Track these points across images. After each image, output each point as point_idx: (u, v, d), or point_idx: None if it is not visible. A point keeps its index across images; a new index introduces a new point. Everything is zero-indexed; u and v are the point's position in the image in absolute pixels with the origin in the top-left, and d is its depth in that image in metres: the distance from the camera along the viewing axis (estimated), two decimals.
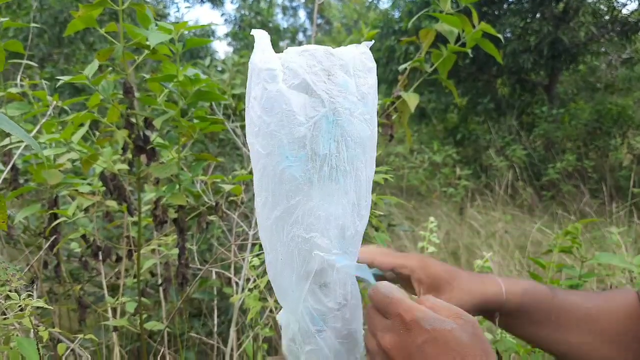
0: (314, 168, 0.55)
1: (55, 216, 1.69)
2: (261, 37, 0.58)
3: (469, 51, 1.57)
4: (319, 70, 0.55)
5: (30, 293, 0.97)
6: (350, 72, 0.57)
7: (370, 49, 0.61)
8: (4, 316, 0.98)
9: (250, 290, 1.72)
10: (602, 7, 8.29)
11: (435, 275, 0.68)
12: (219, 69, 4.21)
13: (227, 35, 14.16)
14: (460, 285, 0.70)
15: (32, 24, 1.67)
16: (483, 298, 0.72)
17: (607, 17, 8.28)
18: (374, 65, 0.60)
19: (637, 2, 8.20)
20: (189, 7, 18.85)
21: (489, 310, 0.74)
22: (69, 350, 1.28)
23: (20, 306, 0.98)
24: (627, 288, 0.83)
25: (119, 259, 1.94)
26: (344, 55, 0.57)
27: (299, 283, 0.58)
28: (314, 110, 0.54)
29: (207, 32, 8.23)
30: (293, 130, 0.54)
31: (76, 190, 1.62)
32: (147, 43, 1.25)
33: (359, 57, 0.58)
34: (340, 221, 0.57)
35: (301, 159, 0.54)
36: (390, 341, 0.53)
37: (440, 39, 1.62)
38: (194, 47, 1.43)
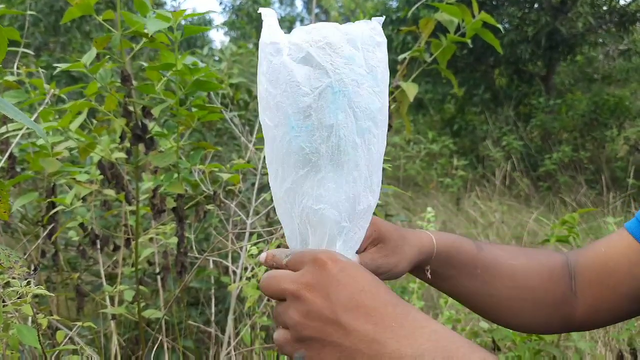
0: (321, 138, 0.55)
1: (53, 205, 1.69)
2: (268, 15, 0.59)
3: (469, 41, 1.57)
4: (324, 45, 0.55)
5: (30, 280, 0.98)
6: (358, 46, 0.57)
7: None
8: (4, 303, 0.98)
9: (247, 279, 1.72)
10: None
11: (380, 229, 0.68)
12: (216, 58, 4.20)
13: (224, 24, 14.10)
14: (404, 237, 0.71)
15: (28, 12, 1.66)
16: (421, 250, 0.73)
17: (605, 8, 8.28)
18: (384, 40, 0.60)
19: None
20: None
21: (423, 263, 0.74)
22: (67, 338, 1.29)
23: (18, 294, 0.98)
24: (553, 251, 0.84)
25: (116, 248, 1.94)
26: (351, 30, 0.58)
27: None
28: (318, 81, 0.55)
29: (204, 21, 8.19)
30: (298, 100, 0.55)
31: (74, 178, 1.62)
32: (145, 31, 1.24)
33: (367, 32, 0.59)
34: (352, 194, 0.57)
35: (307, 129, 0.55)
36: (305, 281, 0.53)
37: (440, 30, 1.62)
38: (191, 36, 1.42)
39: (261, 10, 0.60)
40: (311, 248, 0.58)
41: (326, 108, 0.55)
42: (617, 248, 0.77)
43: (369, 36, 0.58)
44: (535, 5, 8.30)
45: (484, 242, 0.82)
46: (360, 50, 0.57)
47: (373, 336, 0.49)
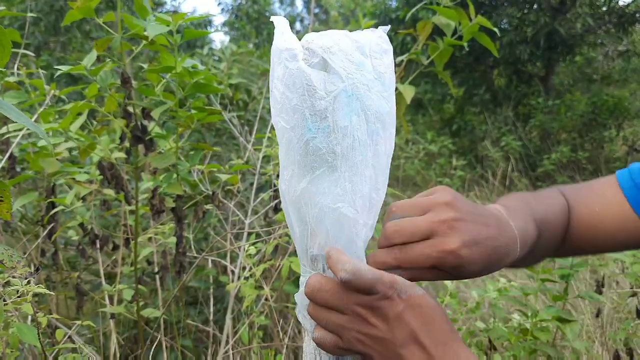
0: (337, 139, 0.58)
1: (52, 204, 1.70)
2: (281, 23, 0.62)
3: (465, 44, 1.58)
4: (337, 50, 0.58)
5: (29, 279, 0.99)
6: (367, 53, 0.60)
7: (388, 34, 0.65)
8: (4, 302, 1.00)
9: (246, 278, 1.73)
10: None
11: None
12: (216, 58, 4.20)
13: (223, 24, 14.10)
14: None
15: (28, 14, 1.67)
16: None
17: (604, 9, 8.28)
18: (390, 47, 0.63)
19: None
20: None
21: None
22: (66, 337, 1.30)
23: (18, 292, 0.99)
24: (560, 198, 0.86)
25: (116, 247, 1.96)
26: (360, 37, 0.61)
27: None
28: (333, 85, 0.58)
29: (204, 22, 8.19)
30: (315, 104, 0.58)
31: (73, 178, 1.63)
32: (145, 34, 1.25)
33: (374, 40, 0.62)
34: (365, 192, 0.60)
35: (324, 130, 0.58)
36: (374, 313, 0.57)
37: (438, 31, 1.63)
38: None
39: (273, 18, 0.63)
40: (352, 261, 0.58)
41: (340, 111, 0.58)
42: (610, 209, 0.81)
43: (376, 44, 0.61)
44: (535, 6, 8.30)
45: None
46: (368, 57, 0.60)
47: None
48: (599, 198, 0.83)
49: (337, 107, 0.57)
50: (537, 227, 0.73)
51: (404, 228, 0.60)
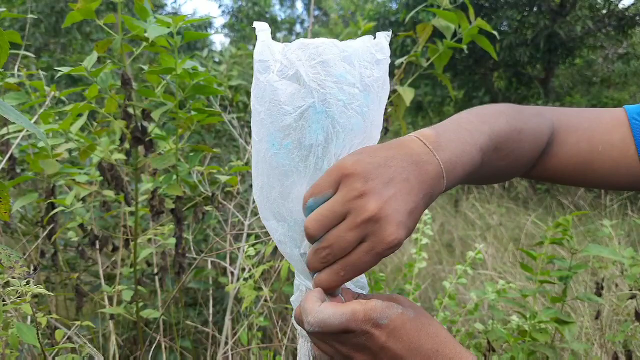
0: (299, 157, 0.57)
1: (52, 205, 1.71)
2: (261, 30, 0.60)
3: (465, 47, 1.59)
4: (316, 63, 0.56)
5: (29, 280, 0.99)
6: (354, 63, 0.57)
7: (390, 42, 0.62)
8: (3, 302, 1.00)
9: (245, 279, 1.74)
10: (598, 1, 8.29)
11: None
12: (216, 60, 4.21)
13: (224, 26, 14.11)
14: None
15: (29, 15, 1.67)
16: None
17: (603, 11, 8.29)
18: (386, 57, 0.60)
19: None
20: None
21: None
22: (65, 337, 1.30)
23: (18, 293, 1.00)
24: (543, 120, 0.77)
25: (115, 248, 1.96)
26: (350, 46, 0.58)
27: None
28: (302, 100, 0.55)
29: (204, 24, 8.20)
30: (279, 119, 0.56)
31: (73, 179, 1.64)
32: (146, 35, 1.26)
33: (365, 49, 0.59)
34: None
35: (287, 147, 0.57)
36: (359, 349, 0.55)
37: (437, 33, 1.64)
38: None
39: (255, 24, 0.60)
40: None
41: (307, 128, 0.56)
42: (613, 151, 0.75)
43: (368, 53, 0.59)
44: (534, 9, 8.31)
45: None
46: (356, 67, 0.57)
47: None
48: (605, 136, 0.76)
49: (303, 124, 0.55)
50: (481, 153, 0.65)
51: (324, 217, 0.55)
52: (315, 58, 0.56)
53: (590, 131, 0.78)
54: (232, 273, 1.93)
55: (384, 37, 0.61)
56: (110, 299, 1.92)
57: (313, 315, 0.54)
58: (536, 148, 0.75)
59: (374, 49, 0.59)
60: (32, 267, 1.85)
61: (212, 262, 2.26)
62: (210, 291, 2.20)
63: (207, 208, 1.73)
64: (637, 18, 7.91)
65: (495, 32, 1.57)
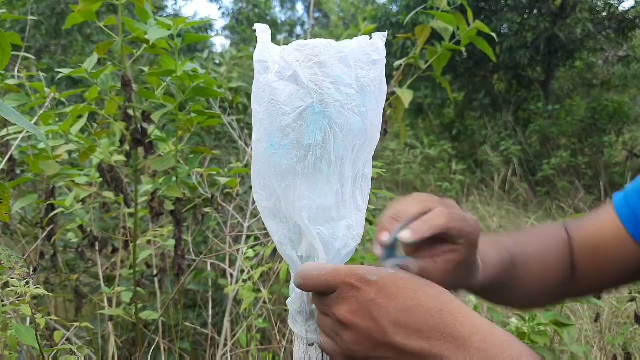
0: (298, 157, 0.57)
1: (52, 207, 1.71)
2: (262, 31, 0.60)
3: (463, 49, 1.59)
4: (313, 64, 0.56)
5: (29, 281, 0.99)
6: (350, 64, 0.58)
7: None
8: (3, 303, 1.00)
9: (244, 281, 1.74)
10: (599, 3, 8.30)
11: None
12: (217, 61, 4.21)
13: (224, 28, 14.12)
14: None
15: (30, 17, 1.68)
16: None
17: (604, 14, 8.29)
18: (381, 58, 0.60)
19: None
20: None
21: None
22: (64, 339, 1.31)
23: (17, 294, 1.00)
24: (557, 229, 0.83)
25: (115, 250, 1.96)
26: (346, 47, 0.58)
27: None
28: (301, 101, 0.56)
29: (205, 26, 8.21)
30: (277, 120, 0.56)
31: (73, 181, 1.64)
32: (146, 37, 1.26)
33: (361, 50, 0.59)
34: (323, 205, 0.59)
35: (285, 147, 0.57)
36: (346, 309, 0.53)
37: (437, 35, 1.64)
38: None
39: (256, 26, 0.61)
40: (324, 265, 0.56)
41: (305, 128, 0.56)
42: (607, 232, 0.78)
43: (364, 54, 0.59)
44: (535, 11, 8.32)
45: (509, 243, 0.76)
46: (352, 68, 0.58)
47: (429, 351, 0.49)
48: (595, 221, 0.81)
49: (302, 124, 0.56)
50: (511, 255, 0.69)
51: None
52: (312, 59, 0.56)
53: (589, 222, 0.82)
54: (231, 275, 1.93)
55: (380, 38, 0.61)
56: (109, 300, 1.92)
57: (301, 267, 0.56)
58: (560, 257, 0.80)
59: (370, 50, 0.59)
60: (31, 269, 1.85)
61: (211, 264, 2.26)
62: (210, 293, 2.20)
63: (207, 210, 1.73)
64: (637, 21, 7.92)
65: (494, 34, 1.57)
